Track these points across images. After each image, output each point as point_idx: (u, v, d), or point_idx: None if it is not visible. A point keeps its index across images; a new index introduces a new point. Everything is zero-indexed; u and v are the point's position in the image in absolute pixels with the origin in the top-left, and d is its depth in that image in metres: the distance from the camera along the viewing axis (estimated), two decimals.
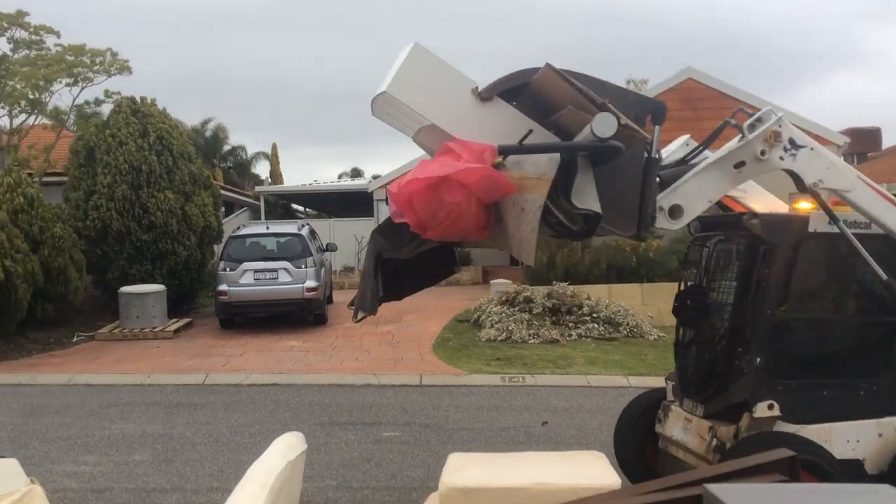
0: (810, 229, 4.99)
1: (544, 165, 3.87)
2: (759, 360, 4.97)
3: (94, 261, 15.31)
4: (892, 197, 4.91)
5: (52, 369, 11.63)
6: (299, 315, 14.97)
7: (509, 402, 9.65)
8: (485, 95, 4.16)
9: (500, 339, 13.36)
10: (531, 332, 13.50)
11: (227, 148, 39.51)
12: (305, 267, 14.43)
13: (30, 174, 16.12)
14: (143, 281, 15.09)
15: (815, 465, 4.68)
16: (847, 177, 4.78)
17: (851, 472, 5.03)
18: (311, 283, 14.39)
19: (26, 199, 13.80)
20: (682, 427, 5.53)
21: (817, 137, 15.89)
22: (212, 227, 16.51)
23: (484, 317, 14.46)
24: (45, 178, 16.72)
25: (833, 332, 5.34)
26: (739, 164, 4.56)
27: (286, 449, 3.71)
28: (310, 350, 12.88)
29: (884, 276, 4.87)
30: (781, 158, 4.59)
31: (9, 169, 14.48)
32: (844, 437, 5.05)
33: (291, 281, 14.30)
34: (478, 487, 3.43)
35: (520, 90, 4.25)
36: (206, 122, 37.77)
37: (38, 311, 13.65)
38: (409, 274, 5.03)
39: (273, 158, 42.44)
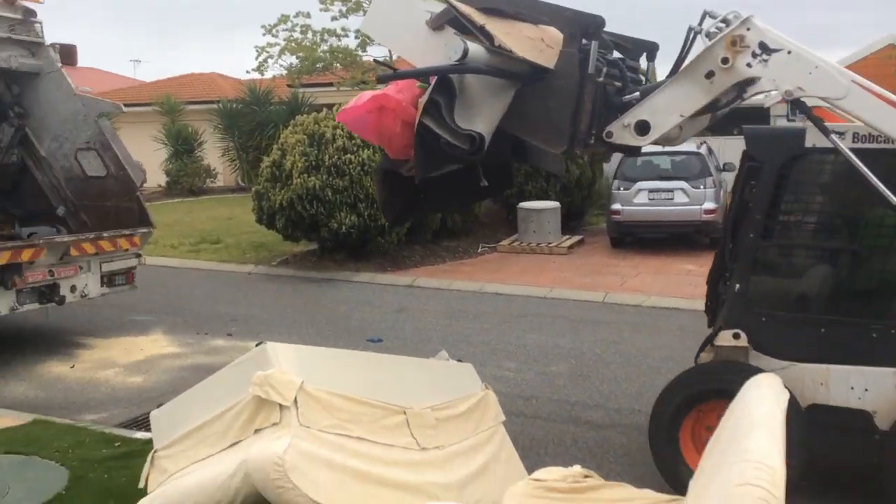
0: (807, 144, 4.61)
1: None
2: (737, 286, 4.79)
3: None
4: None
5: (464, 277, 12.61)
6: (693, 237, 14.35)
7: None
8: (433, 25, 4.23)
9: None
10: None
11: None
12: (704, 188, 13.69)
13: None
14: (538, 197, 15.59)
15: None
16: (837, 82, 4.04)
17: (855, 423, 4.57)
18: (709, 205, 13.62)
19: None
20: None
21: None
22: None
23: None
24: None
25: (836, 264, 4.90)
26: (709, 74, 4.12)
27: (776, 396, 3.35)
28: None
29: (894, 200, 4.04)
30: (749, 66, 4.04)
31: None
32: (847, 383, 4.58)
33: (688, 202, 13.68)
34: None
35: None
36: None
37: (449, 222, 14.87)
38: (453, 188, 5.07)
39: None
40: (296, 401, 3.75)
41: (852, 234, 4.89)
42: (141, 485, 4.02)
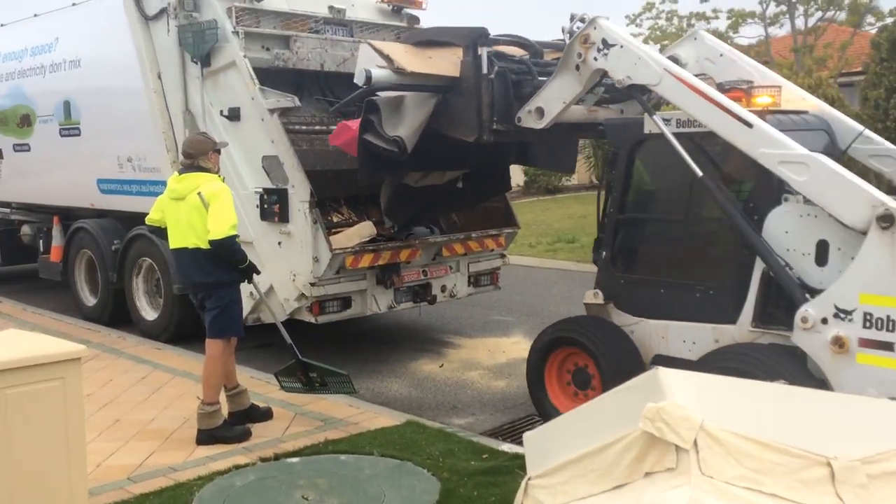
0: (645, 130, 5.20)
1: None
2: (604, 253, 5.64)
3: None
4: (705, 89, 4.75)
5: None
6: None
7: None
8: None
9: None
10: None
11: None
12: None
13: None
14: None
15: (583, 346, 5.49)
16: (653, 71, 4.83)
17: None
18: None
19: (826, 100, 13.02)
20: None
21: None
22: None
23: None
24: (840, 79, 15.73)
25: (669, 234, 5.58)
26: (576, 67, 5.09)
27: None
28: None
29: (698, 173, 4.76)
30: (595, 59, 5.00)
31: (808, 70, 13.94)
32: (681, 337, 5.22)
33: None
34: None
35: None
36: None
37: None
38: (450, 195, 6.77)
39: None
40: (695, 443, 3.10)
41: (679, 207, 5.45)
42: None
